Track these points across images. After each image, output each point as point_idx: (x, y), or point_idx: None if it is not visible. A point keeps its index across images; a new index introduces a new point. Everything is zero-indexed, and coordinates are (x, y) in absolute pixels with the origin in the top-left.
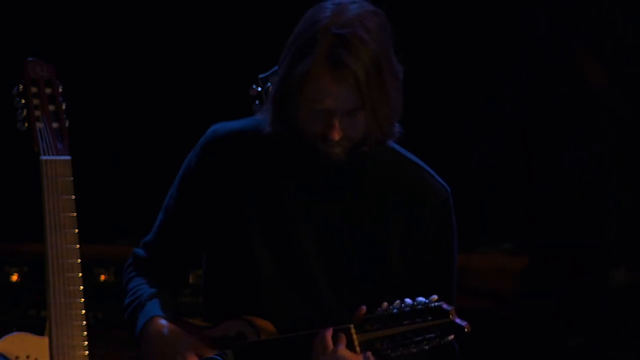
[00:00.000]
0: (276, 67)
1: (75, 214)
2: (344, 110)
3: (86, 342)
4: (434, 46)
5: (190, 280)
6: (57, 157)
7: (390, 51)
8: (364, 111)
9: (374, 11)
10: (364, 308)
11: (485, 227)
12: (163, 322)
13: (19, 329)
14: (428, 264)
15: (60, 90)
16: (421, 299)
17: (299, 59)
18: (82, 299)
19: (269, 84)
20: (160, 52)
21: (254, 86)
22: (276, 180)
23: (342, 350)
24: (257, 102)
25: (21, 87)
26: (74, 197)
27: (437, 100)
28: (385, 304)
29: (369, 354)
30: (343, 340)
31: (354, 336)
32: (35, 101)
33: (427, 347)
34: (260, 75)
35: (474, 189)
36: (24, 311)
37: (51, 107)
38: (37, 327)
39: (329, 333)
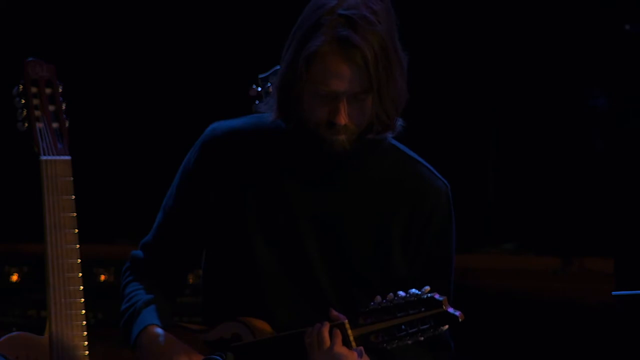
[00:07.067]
0: (276, 67)
1: (75, 214)
2: (351, 93)
3: (86, 342)
4: (436, 41)
5: (190, 280)
6: (57, 157)
7: (395, 36)
8: (371, 95)
9: None
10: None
11: (486, 227)
12: (157, 330)
13: (19, 329)
14: (428, 258)
15: (60, 90)
16: (414, 290)
17: (306, 42)
18: (82, 299)
19: (269, 84)
20: (160, 52)
21: (254, 86)
22: (276, 177)
23: (339, 347)
24: (257, 102)
25: (21, 87)
26: (74, 197)
27: (439, 97)
28: (379, 297)
29: (361, 348)
30: (339, 336)
31: (349, 331)
32: (35, 101)
33: (422, 338)
34: (260, 75)
35: (475, 189)
36: (24, 311)
37: (51, 107)
38: (37, 327)
39: (325, 328)
